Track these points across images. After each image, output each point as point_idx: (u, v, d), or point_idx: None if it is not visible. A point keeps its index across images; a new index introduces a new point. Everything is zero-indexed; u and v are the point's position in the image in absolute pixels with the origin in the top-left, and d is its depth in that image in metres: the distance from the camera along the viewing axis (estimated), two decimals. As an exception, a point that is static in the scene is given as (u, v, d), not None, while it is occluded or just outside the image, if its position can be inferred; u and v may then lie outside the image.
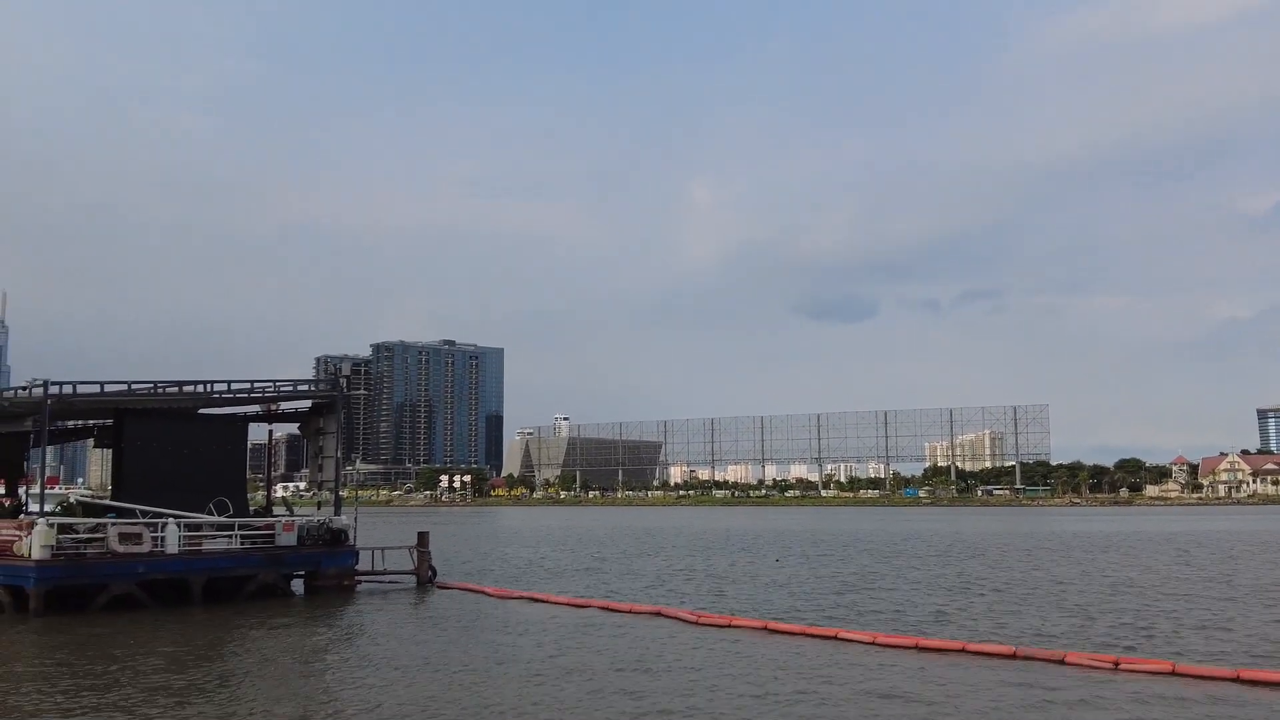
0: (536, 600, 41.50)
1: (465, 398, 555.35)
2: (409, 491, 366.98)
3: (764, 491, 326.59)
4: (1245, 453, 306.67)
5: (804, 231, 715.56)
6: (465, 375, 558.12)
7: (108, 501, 43.21)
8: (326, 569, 43.81)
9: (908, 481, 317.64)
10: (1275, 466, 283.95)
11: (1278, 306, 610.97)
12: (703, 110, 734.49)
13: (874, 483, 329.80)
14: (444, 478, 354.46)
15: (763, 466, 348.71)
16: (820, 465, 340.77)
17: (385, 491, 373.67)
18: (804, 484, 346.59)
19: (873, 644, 29.70)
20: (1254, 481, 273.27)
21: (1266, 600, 41.01)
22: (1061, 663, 26.20)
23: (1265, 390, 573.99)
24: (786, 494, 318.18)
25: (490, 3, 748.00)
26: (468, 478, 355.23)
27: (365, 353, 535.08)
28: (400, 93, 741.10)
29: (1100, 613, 37.29)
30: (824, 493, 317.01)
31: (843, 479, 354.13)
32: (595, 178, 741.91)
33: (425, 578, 47.11)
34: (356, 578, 45.32)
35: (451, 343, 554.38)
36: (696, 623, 34.24)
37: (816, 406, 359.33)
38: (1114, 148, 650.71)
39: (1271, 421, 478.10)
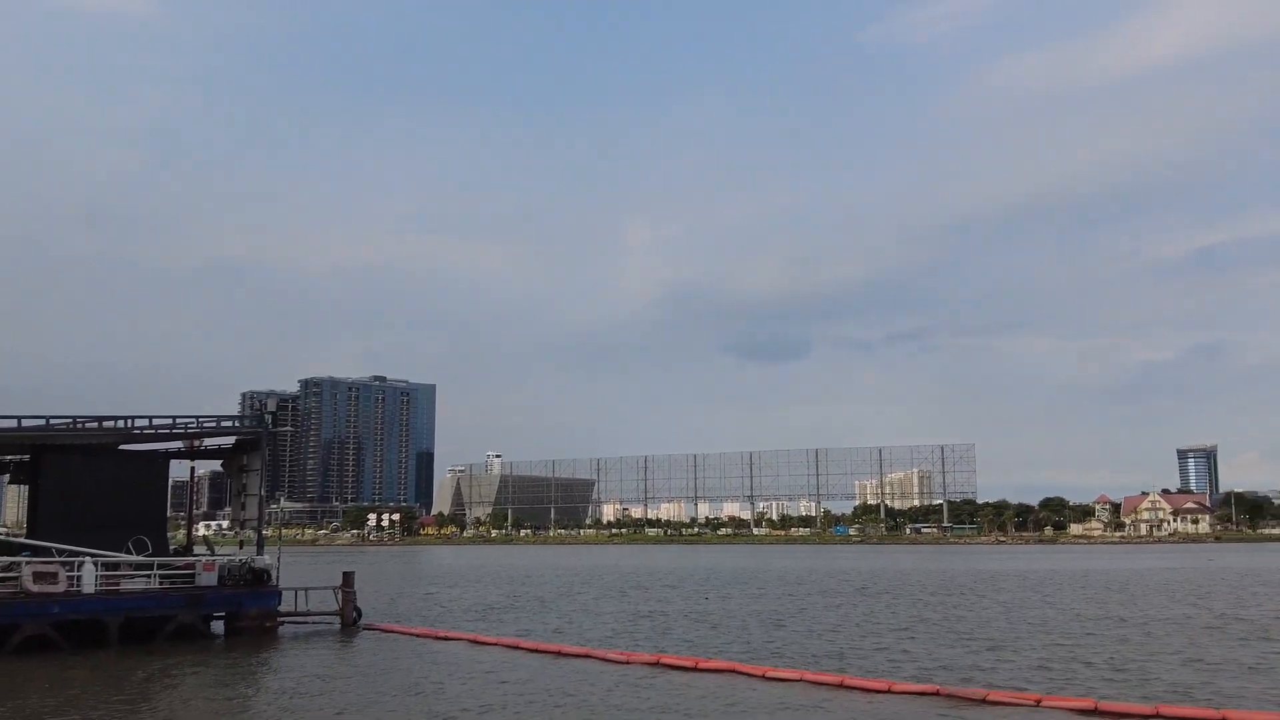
0: (464, 641, 41.04)
1: (395, 435, 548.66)
2: (335, 530, 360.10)
3: (696, 530, 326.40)
4: (1166, 492, 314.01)
5: (737, 273, 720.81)
6: (395, 412, 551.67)
7: (23, 539, 42.03)
8: (248, 610, 42.86)
9: (838, 520, 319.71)
10: (1195, 506, 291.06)
11: (1196, 349, 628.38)
12: (638, 152, 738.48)
13: (805, 521, 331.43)
14: (372, 516, 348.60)
15: (695, 505, 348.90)
16: (752, 503, 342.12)
17: (311, 530, 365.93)
18: (736, 522, 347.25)
19: (800, 682, 29.86)
20: (1174, 520, 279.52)
21: (1182, 638, 41.99)
22: (984, 701, 26.56)
23: (1185, 431, 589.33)
24: (719, 532, 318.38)
25: (425, 41, 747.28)
26: (396, 516, 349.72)
27: (293, 389, 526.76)
28: (332, 128, 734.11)
29: (1023, 650, 37.87)
30: (756, 531, 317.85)
31: (774, 517, 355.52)
32: (530, 216, 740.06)
33: (350, 619, 46.29)
34: (279, 619, 44.37)
35: (382, 379, 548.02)
36: (626, 662, 34.13)
37: (749, 445, 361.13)
38: (1040, 195, 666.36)
39: (1191, 461, 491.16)
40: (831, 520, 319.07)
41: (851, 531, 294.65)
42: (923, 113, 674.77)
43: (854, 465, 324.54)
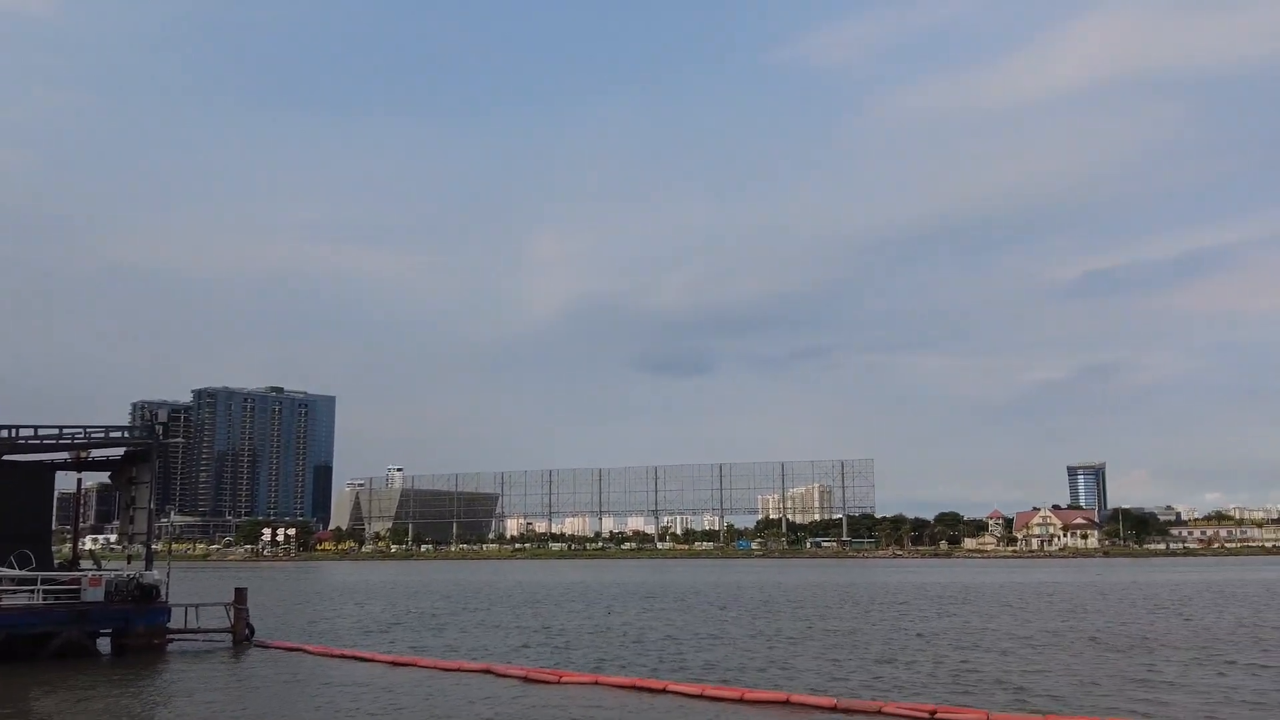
0: (360, 659, 40.29)
1: (292, 447, 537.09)
2: (228, 545, 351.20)
3: (600, 544, 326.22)
4: (1056, 508, 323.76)
5: (645, 288, 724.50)
6: (293, 424, 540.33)
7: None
8: (136, 627, 41.51)
9: (741, 534, 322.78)
10: (1084, 521, 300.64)
11: (1087, 369, 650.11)
12: (547, 163, 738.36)
13: (709, 535, 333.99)
14: (266, 531, 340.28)
15: (600, 519, 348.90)
16: (657, 518, 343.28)
17: (203, 545, 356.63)
18: (640, 536, 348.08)
19: (700, 696, 29.97)
20: (1064, 535, 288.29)
21: (1068, 651, 43.24)
22: (879, 713, 26.97)
23: (1075, 449, 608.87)
24: (623, 546, 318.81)
25: (330, 46, 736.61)
26: (292, 531, 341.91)
27: (186, 399, 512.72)
28: (232, 132, 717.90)
29: (917, 662, 38.60)
30: (660, 545, 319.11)
31: (678, 531, 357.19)
32: (437, 226, 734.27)
33: (242, 636, 45.09)
34: (168, 636, 43.04)
35: (280, 389, 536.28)
36: (526, 679, 33.86)
37: (654, 459, 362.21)
38: (941, 217, 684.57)
39: (1080, 478, 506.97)
40: (735, 534, 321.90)
41: (754, 545, 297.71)
42: (828, 135, 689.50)
43: (757, 480, 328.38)
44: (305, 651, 42.54)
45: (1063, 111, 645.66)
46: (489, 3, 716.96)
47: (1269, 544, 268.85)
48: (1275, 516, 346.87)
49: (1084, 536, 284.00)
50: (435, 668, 37.30)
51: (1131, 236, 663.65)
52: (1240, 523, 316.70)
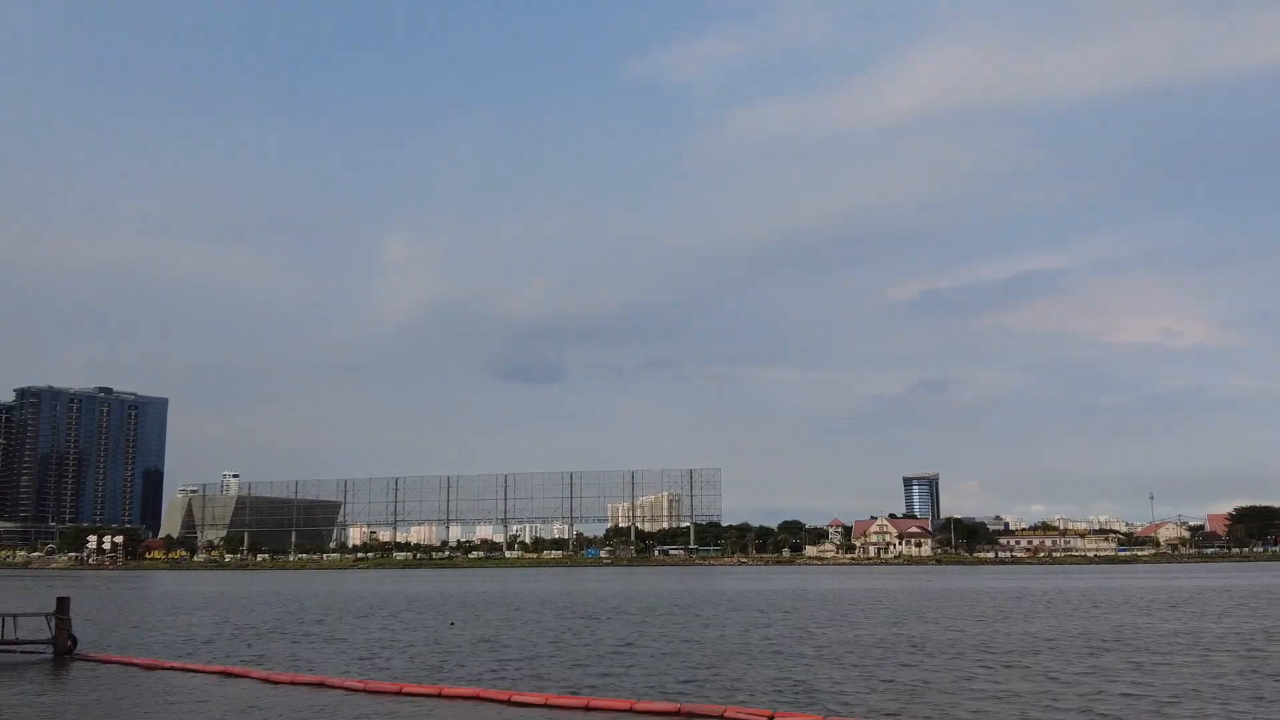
0: (190, 671, 38.72)
1: (121, 450, 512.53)
2: (51, 553, 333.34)
3: (448, 553, 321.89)
4: (892, 517, 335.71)
5: (499, 293, 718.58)
6: (122, 426, 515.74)
7: None
8: (-57, 640, 39.08)
9: (590, 542, 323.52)
10: (918, 530, 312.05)
11: (922, 384, 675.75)
12: (402, 164, 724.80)
13: (558, 543, 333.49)
14: (92, 538, 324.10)
15: (448, 527, 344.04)
16: (506, 526, 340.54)
17: (23, 552, 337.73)
18: (489, 545, 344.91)
19: (545, 706, 29.84)
20: (900, 543, 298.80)
21: (899, 655, 44.70)
22: (721, 717, 27.33)
23: (911, 460, 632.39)
24: (471, 555, 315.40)
25: (182, 42, 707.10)
26: (119, 538, 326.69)
27: (8, 398, 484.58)
28: (69, 120, 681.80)
29: (759, 667, 39.32)
30: (508, 554, 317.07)
31: (528, 540, 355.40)
32: (285, 226, 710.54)
33: (64, 648, 43.09)
34: (-19, 649, 40.71)
35: (109, 390, 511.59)
36: (364, 691, 33.07)
37: (505, 467, 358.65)
38: (789, 235, 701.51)
39: (915, 488, 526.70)
40: (584, 543, 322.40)
41: (602, 554, 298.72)
42: (684, 149, 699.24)
43: (607, 488, 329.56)
44: (132, 664, 40.66)
45: (908, 136, 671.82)
46: (347, 6, 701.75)
47: (1090, 553, 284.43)
48: (1096, 527, 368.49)
49: (918, 545, 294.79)
50: (268, 680, 36.10)
51: (968, 258, 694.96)
52: (1064, 533, 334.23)
